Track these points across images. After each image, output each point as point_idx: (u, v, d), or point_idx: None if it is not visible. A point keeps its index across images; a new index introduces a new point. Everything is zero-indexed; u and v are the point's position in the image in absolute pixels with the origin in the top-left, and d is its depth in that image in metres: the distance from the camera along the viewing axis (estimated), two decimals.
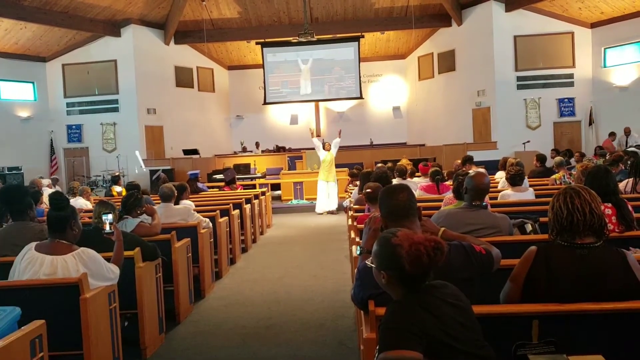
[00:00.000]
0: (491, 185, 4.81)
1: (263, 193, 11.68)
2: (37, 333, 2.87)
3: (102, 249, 4.06)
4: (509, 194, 6.44)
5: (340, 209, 13.26)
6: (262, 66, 20.63)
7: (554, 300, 2.41)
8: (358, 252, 3.02)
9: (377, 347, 2.04)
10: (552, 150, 15.29)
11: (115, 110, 18.56)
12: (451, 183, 5.75)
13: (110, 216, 4.16)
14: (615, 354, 2.28)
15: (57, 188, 11.79)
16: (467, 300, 2.13)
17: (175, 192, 6.97)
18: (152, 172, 16.00)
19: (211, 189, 12.58)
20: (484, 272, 2.71)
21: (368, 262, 2.26)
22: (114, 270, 3.88)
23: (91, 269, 3.67)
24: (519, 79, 17.93)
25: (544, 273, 2.50)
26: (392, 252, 2.06)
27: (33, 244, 3.71)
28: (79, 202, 8.84)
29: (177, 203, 7.05)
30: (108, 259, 3.98)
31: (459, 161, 10.34)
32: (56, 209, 3.74)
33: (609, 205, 4.02)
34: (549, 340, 2.28)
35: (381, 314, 2.41)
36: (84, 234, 3.92)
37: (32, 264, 3.61)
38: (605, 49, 17.51)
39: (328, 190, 13.44)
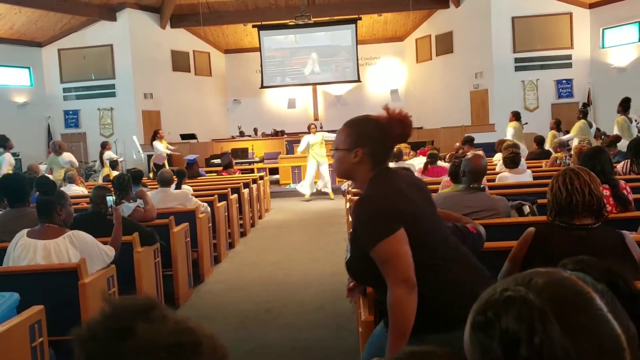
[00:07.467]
0: (488, 167, 4.81)
1: (261, 177, 11.68)
2: (36, 318, 2.88)
3: (100, 233, 4.07)
4: (506, 176, 6.45)
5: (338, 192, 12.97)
6: (259, 49, 20.48)
7: None
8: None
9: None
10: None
11: (112, 95, 18.41)
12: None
13: (111, 198, 4.40)
14: None
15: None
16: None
17: (174, 177, 6.97)
18: (150, 157, 15.93)
19: (209, 174, 12.57)
20: (475, 252, 2.67)
21: (334, 152, 2.26)
22: (108, 253, 3.88)
23: (82, 250, 3.68)
24: (516, 60, 17.79)
25: (542, 254, 2.50)
26: (374, 124, 2.16)
27: (25, 231, 3.72)
28: (73, 190, 8.44)
29: (177, 188, 7.05)
30: (106, 243, 3.98)
31: (459, 144, 10.33)
32: (43, 193, 3.77)
33: (606, 186, 4.03)
34: None
35: (378, 298, 2.43)
36: (82, 219, 3.93)
37: (27, 251, 3.61)
38: (603, 29, 17.37)
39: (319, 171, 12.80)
